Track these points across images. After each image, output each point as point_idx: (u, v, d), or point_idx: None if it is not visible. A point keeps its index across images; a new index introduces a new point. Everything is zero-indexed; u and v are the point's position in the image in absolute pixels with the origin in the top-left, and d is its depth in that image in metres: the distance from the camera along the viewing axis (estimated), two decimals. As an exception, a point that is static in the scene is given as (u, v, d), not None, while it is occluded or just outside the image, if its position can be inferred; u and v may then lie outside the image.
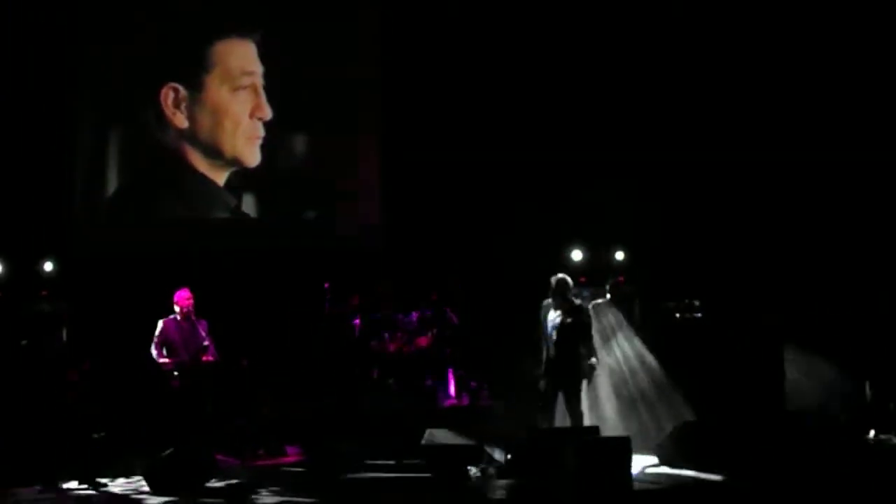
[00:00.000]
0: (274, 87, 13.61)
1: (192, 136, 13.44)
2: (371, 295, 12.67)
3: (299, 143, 13.79)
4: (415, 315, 12.48)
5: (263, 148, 13.56)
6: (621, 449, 8.93)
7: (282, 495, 9.35)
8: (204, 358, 11.17)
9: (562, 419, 10.56)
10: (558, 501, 8.76)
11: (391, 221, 13.95)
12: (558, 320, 10.51)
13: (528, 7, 13.92)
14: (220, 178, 13.55)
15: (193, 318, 11.26)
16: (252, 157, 13.57)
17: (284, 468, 10.83)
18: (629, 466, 8.93)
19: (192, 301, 11.28)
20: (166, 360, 11.16)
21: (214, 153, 13.50)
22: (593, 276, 12.31)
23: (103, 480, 9.82)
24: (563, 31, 13.92)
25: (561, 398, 10.50)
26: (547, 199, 13.97)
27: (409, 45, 13.95)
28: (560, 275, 10.71)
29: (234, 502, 9.13)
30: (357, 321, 12.27)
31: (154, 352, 11.18)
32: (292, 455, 11.42)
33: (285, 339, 12.77)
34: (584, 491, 8.60)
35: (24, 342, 10.64)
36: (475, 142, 13.85)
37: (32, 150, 12.95)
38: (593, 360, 10.61)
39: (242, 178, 13.60)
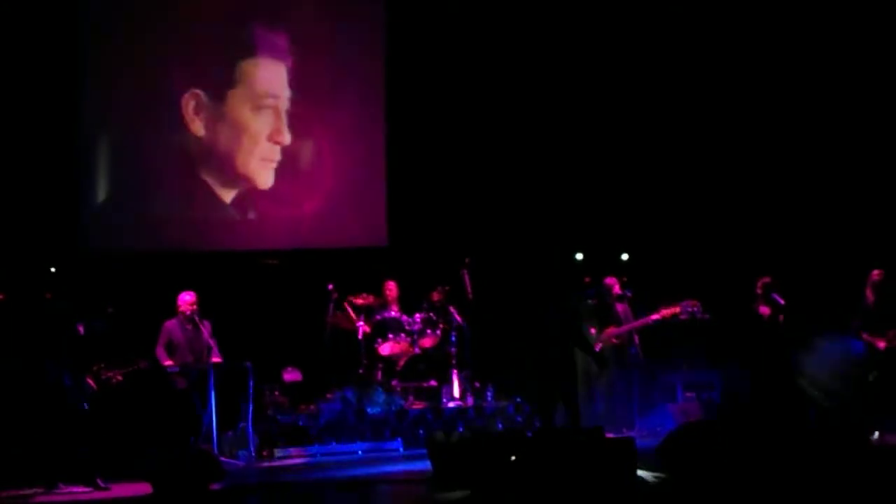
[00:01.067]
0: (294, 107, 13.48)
1: (207, 145, 13.23)
2: (378, 296, 12.64)
3: (306, 149, 13.63)
4: (418, 317, 12.44)
5: (277, 171, 13.38)
6: (626, 450, 8.89)
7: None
8: (213, 359, 11.17)
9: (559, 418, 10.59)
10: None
11: (395, 219, 13.92)
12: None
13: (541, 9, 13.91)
14: (227, 195, 13.33)
15: (197, 319, 11.23)
16: (265, 179, 13.38)
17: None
18: (634, 467, 8.89)
19: (194, 303, 11.23)
20: (170, 361, 11.16)
21: (226, 167, 13.28)
22: (596, 275, 12.22)
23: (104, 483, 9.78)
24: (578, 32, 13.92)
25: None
26: (552, 198, 13.95)
27: (411, 41, 13.89)
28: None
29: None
30: (362, 323, 12.24)
31: (158, 353, 11.16)
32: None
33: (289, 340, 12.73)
34: (589, 492, 8.55)
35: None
36: (481, 140, 13.86)
37: (35, 149, 12.84)
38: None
39: (250, 198, 13.41)
